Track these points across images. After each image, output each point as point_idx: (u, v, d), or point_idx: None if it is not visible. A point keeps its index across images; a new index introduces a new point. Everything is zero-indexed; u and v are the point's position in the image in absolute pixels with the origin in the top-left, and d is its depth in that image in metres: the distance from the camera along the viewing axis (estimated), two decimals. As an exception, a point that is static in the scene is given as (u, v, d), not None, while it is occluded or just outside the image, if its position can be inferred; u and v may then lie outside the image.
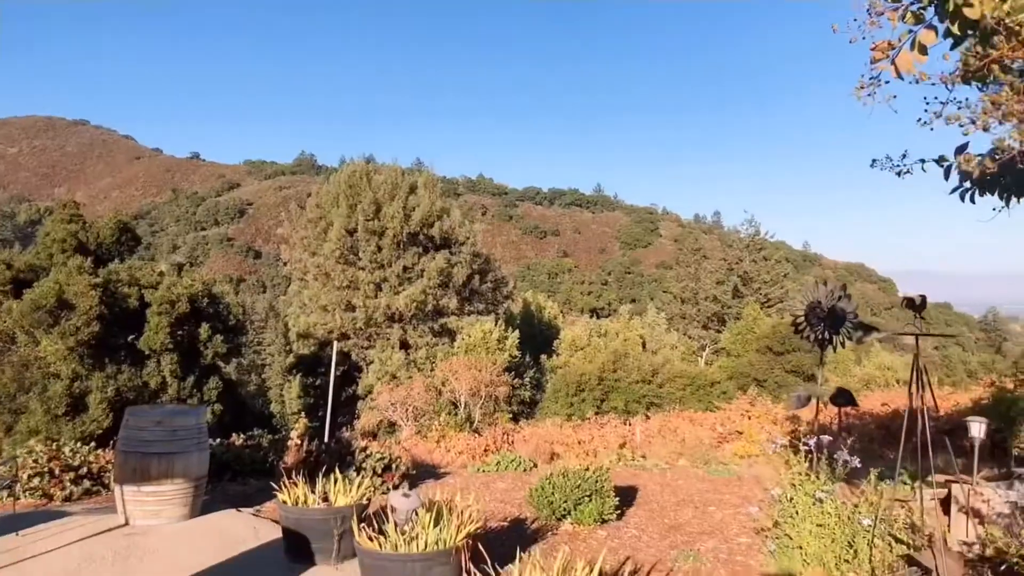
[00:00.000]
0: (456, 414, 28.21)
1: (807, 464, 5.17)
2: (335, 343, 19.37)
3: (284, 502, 5.32)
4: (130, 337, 24.22)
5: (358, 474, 7.50)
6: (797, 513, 4.86)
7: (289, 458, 11.94)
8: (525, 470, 9.28)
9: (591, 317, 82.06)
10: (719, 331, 48.63)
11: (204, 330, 24.66)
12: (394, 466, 7.72)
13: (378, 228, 34.43)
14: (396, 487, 7.65)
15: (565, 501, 6.03)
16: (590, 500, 6.02)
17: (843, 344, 6.77)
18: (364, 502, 5.40)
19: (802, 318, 6.83)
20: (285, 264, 43.40)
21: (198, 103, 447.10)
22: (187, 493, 6.18)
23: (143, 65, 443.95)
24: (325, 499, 5.48)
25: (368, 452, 7.76)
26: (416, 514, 4.49)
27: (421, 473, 8.68)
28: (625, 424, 20.24)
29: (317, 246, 35.69)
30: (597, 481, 6.15)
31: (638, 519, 6.51)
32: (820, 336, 6.66)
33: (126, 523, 6.08)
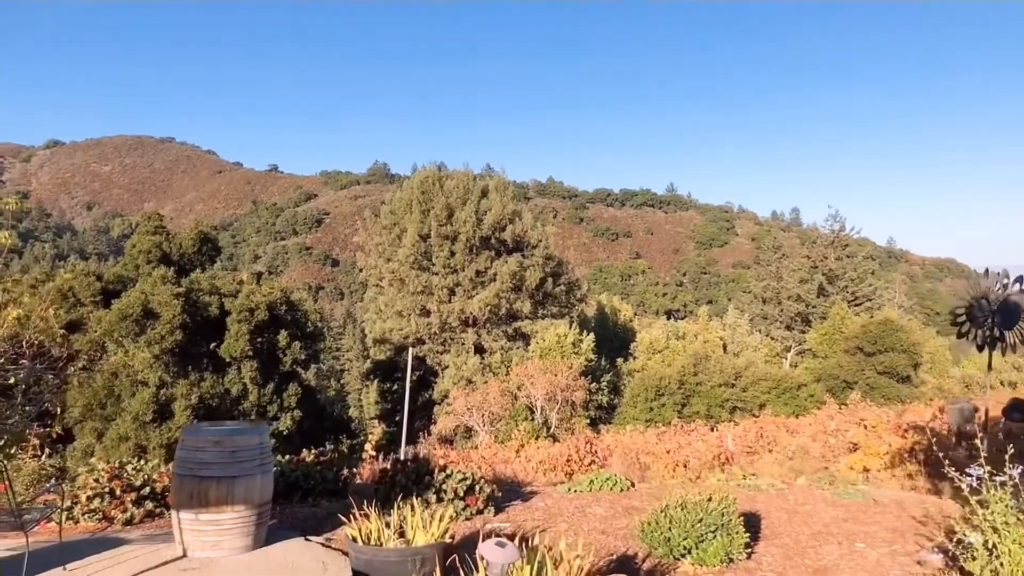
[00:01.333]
0: (532, 419, 27.48)
1: (996, 497, 4.06)
2: (410, 348, 18.83)
3: (354, 539, 4.54)
4: (212, 345, 24.41)
5: (438, 498, 6.73)
6: (1002, 566, 3.77)
7: (364, 472, 11.33)
8: (622, 490, 8.32)
9: (667, 319, 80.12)
10: (803, 331, 46.30)
11: (283, 337, 24.65)
12: (477, 488, 6.91)
13: (451, 233, 34.09)
14: (480, 512, 6.85)
15: (685, 538, 5.07)
16: (715, 536, 5.05)
17: (1018, 344, 5.58)
18: (447, 540, 4.56)
19: (963, 313, 5.67)
20: (361, 271, 43.75)
21: (276, 117, 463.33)
22: (249, 521, 5.50)
23: (224, 82, 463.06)
24: (401, 534, 4.69)
25: (448, 472, 6.97)
26: (512, 567, 3.63)
27: (506, 492, 7.83)
28: (712, 431, 19.02)
29: (392, 252, 35.66)
30: (723, 514, 5.17)
31: (771, 558, 5.47)
32: (989, 334, 5.48)
33: (184, 555, 5.44)
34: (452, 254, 34.21)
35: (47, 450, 9.24)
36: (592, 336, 33.85)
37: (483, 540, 3.94)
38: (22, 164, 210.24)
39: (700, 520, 5.07)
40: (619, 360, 39.50)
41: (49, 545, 5.50)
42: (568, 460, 14.80)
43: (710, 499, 5.30)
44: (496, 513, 6.96)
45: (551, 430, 27.47)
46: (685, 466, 14.23)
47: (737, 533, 5.13)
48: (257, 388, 23.95)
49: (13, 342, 10.57)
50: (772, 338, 48.82)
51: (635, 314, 62.82)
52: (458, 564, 3.91)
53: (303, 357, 25.43)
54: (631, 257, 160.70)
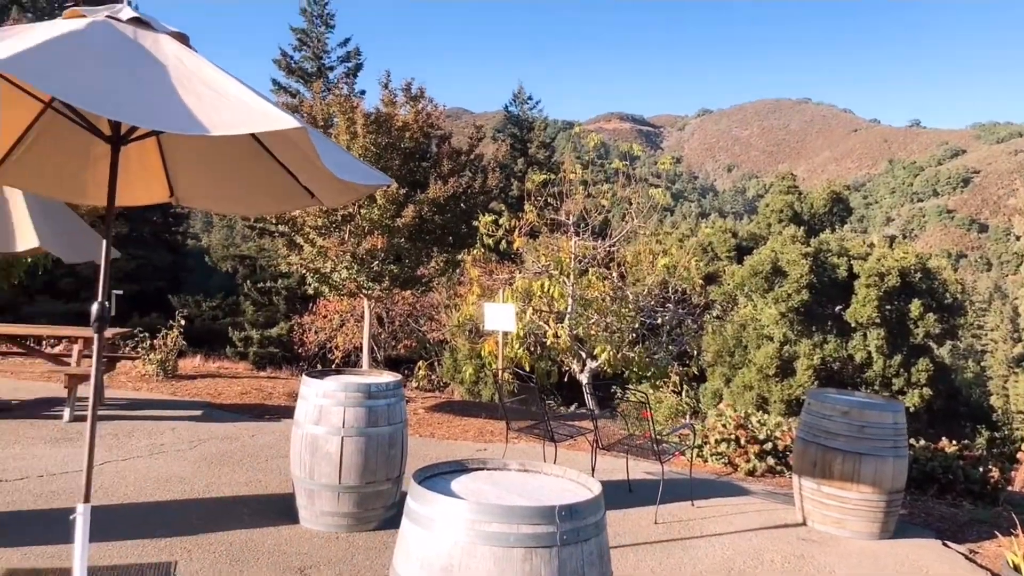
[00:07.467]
0: None
1: None
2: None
3: (1015, 567, 3.60)
4: (837, 307, 23.92)
5: None
6: None
7: (1017, 476, 9.37)
8: None
9: None
10: None
11: (915, 307, 22.58)
12: None
13: None
14: None
15: None
16: None
17: None
18: None
19: None
20: (1017, 239, 37.01)
21: (918, 70, 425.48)
22: (877, 507, 4.94)
23: (859, 40, 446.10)
24: (1090, 581, 3.52)
25: None
26: None
27: None
28: None
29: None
30: None
31: None
32: None
33: (803, 523, 5.24)
34: None
35: (684, 387, 10.20)
36: None
37: None
38: (677, 132, 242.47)
39: None
40: None
41: (680, 478, 5.98)
42: None
43: None
44: None
45: None
46: None
47: None
48: (883, 358, 22.54)
49: (662, 287, 12.05)
50: None
51: None
52: None
53: (937, 331, 22.89)
54: None
